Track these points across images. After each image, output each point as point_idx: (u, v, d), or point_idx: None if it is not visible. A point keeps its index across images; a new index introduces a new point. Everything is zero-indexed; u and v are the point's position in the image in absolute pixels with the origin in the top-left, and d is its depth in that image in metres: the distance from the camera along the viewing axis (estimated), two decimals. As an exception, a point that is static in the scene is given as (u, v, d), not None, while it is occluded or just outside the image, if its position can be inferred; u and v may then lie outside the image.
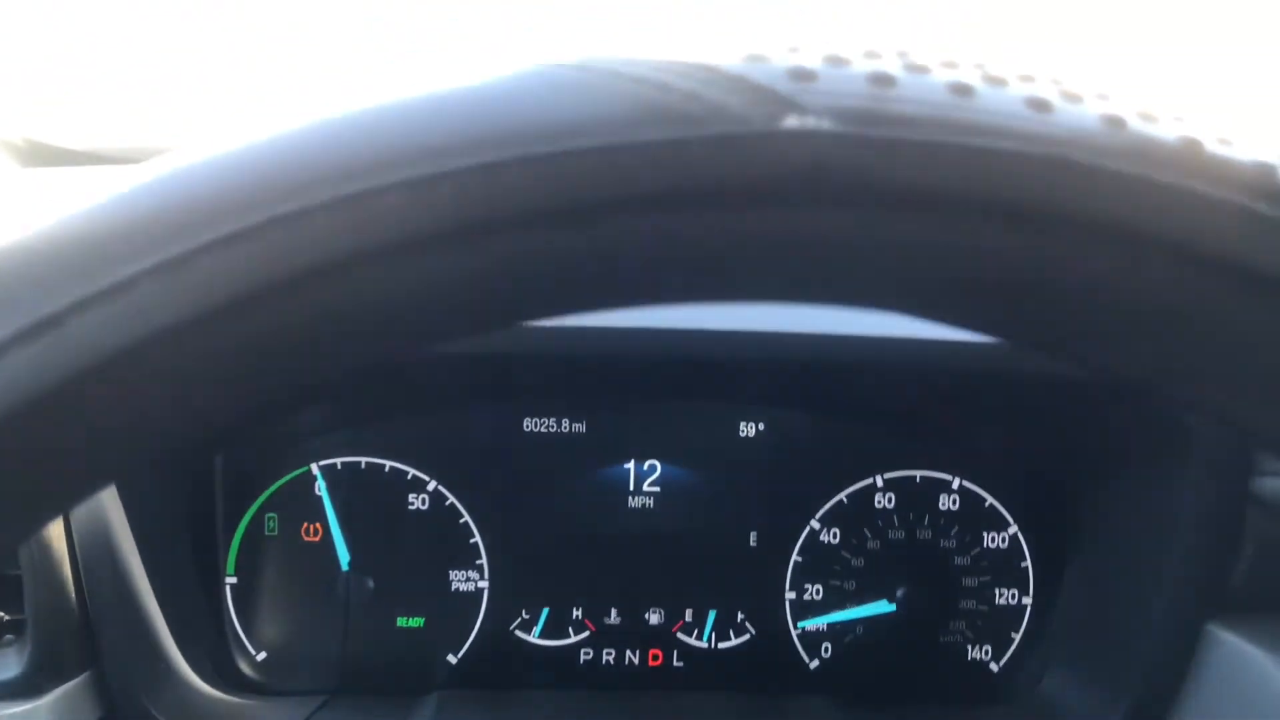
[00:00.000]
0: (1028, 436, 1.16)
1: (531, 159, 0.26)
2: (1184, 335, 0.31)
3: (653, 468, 1.18)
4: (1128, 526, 1.10)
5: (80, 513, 0.96)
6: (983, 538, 1.20)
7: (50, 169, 1.43)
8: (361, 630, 1.16)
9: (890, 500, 1.19)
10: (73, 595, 0.97)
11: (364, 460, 1.15)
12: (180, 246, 0.27)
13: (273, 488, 1.15)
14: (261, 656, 1.15)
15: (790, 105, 0.27)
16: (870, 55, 0.29)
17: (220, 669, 1.12)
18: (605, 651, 1.20)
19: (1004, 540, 1.20)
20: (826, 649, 1.20)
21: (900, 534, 1.19)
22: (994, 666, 1.21)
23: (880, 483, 1.19)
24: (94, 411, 0.27)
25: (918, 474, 1.19)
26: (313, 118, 0.28)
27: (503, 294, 0.29)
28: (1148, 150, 0.28)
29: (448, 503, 1.16)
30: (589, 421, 1.17)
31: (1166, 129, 0.28)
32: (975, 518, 1.20)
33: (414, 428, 1.16)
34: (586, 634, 1.19)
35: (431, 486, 1.16)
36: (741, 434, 1.18)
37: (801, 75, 0.28)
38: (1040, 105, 0.28)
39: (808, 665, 1.20)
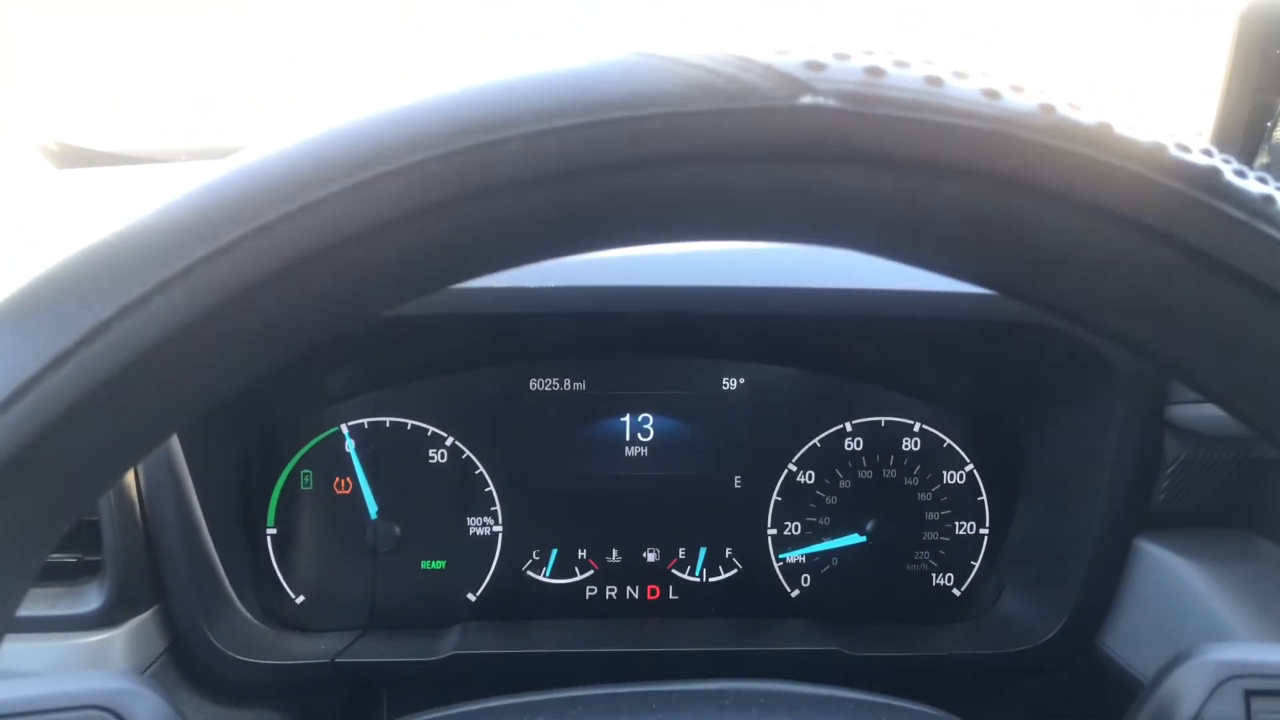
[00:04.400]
0: (978, 381, 1.30)
1: (616, 121, 0.36)
2: (1091, 275, 0.39)
3: (646, 420, 1.32)
4: (1065, 457, 1.24)
5: (150, 469, 1.09)
6: (942, 475, 1.34)
7: (81, 170, 1.54)
8: (389, 573, 1.29)
9: (859, 444, 1.33)
10: (143, 540, 1.10)
11: (388, 420, 1.28)
12: (307, 198, 0.35)
13: (306, 447, 1.27)
14: (300, 600, 1.28)
15: (806, 88, 0.36)
16: (867, 53, 0.38)
17: (266, 610, 1.25)
18: (608, 588, 1.34)
19: (962, 477, 1.34)
20: (806, 579, 1.35)
21: (869, 473, 1.33)
22: (956, 591, 1.36)
23: (849, 428, 1.33)
24: (171, 371, 0.34)
25: (882, 419, 1.33)
26: (443, 88, 0.38)
27: (597, 225, 0.39)
28: (1069, 129, 0.37)
29: (464, 456, 1.29)
30: (588, 380, 1.30)
31: (1086, 114, 0.38)
32: (935, 457, 1.34)
33: (432, 389, 1.29)
34: (591, 572, 1.33)
35: (449, 442, 1.29)
36: (725, 387, 1.32)
37: (814, 66, 0.37)
38: (992, 94, 0.37)
39: (789, 594, 1.35)
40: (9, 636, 0.36)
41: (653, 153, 0.36)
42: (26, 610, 1.06)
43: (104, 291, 0.33)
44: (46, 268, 0.34)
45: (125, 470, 0.38)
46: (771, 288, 1.10)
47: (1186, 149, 0.37)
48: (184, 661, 1.14)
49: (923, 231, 0.39)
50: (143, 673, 1.09)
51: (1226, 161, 0.38)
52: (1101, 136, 0.37)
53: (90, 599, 1.07)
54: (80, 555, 1.08)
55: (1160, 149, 0.37)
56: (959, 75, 0.37)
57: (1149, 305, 0.40)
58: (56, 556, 1.08)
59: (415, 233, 0.36)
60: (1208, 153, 0.38)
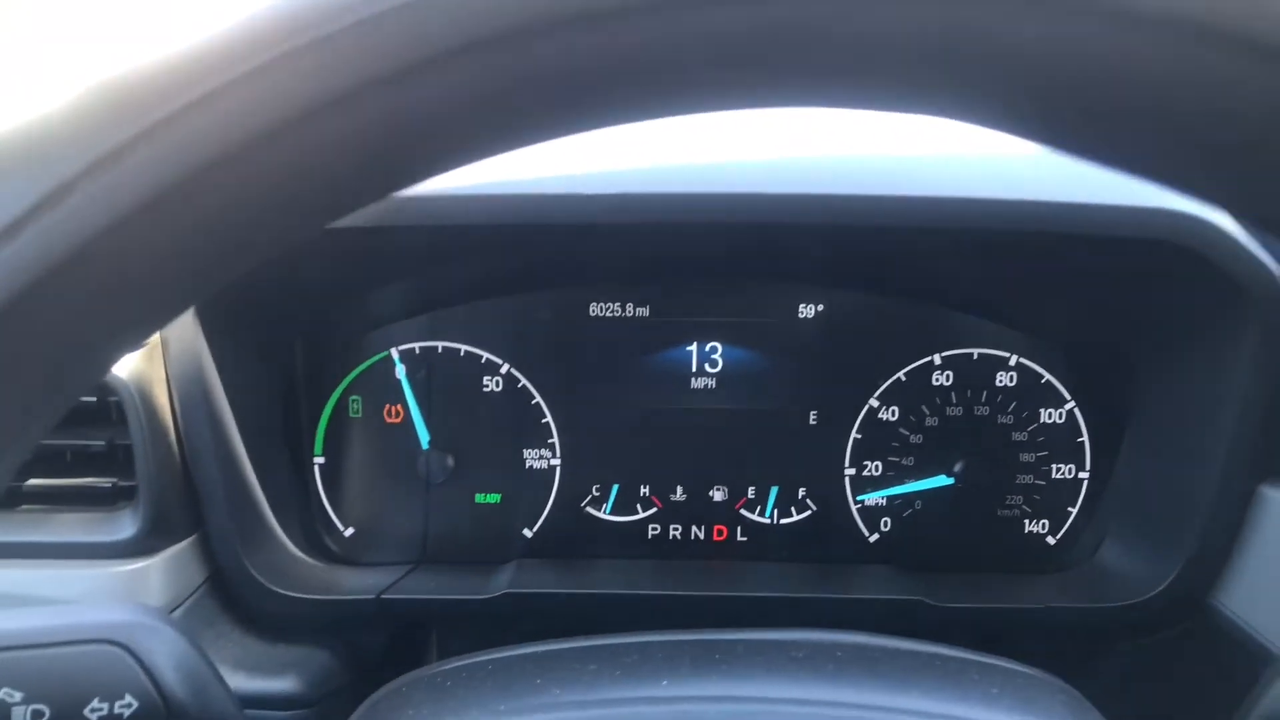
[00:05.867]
0: (1083, 309, 1.17)
1: None
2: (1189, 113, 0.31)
3: (714, 349, 1.22)
4: (1183, 395, 1.12)
5: (183, 393, 1.03)
6: (1040, 413, 1.22)
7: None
8: (442, 506, 1.23)
9: (948, 378, 1.22)
10: (179, 466, 1.04)
11: (440, 345, 1.21)
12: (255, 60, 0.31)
13: (355, 372, 1.21)
14: (349, 533, 1.23)
15: None
16: None
17: (311, 542, 1.19)
18: (672, 527, 1.25)
19: (1061, 415, 1.22)
20: (886, 523, 1.25)
21: (958, 410, 1.22)
22: (1051, 539, 1.25)
23: (938, 360, 1.22)
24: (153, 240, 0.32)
25: (975, 351, 1.21)
26: None
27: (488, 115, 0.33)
28: None
29: (520, 385, 1.21)
30: (652, 306, 1.21)
31: None
32: (1032, 393, 1.22)
33: (486, 314, 1.21)
34: (654, 510, 1.25)
35: (504, 369, 1.21)
36: (801, 315, 1.21)
37: None
38: None
39: (867, 538, 1.25)
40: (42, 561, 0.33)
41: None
42: (59, 536, 1.01)
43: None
44: None
45: (118, 348, 0.35)
46: (854, 195, 0.99)
47: None
48: (224, 594, 1.09)
49: (1008, 75, 0.31)
50: (181, 604, 1.04)
51: None
52: None
53: (125, 526, 1.02)
54: (115, 480, 1.03)
55: None
56: None
57: None
58: (90, 481, 1.03)
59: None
60: None
